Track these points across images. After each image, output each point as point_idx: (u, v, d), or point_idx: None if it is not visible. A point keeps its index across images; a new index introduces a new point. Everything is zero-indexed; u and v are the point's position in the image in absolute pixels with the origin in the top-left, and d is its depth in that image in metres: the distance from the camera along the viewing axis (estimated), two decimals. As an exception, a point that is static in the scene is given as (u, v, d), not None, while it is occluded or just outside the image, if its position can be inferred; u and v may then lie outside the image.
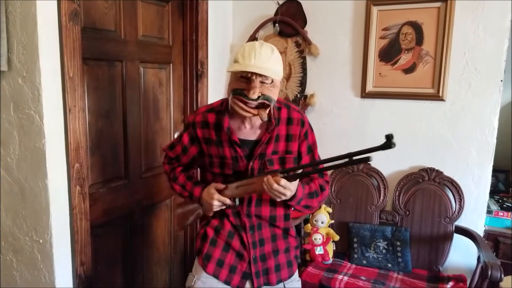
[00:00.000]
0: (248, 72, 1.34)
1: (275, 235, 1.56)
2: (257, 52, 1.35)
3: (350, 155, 1.29)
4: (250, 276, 1.51)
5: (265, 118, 1.40)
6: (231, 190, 1.48)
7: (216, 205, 1.49)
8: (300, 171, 1.41)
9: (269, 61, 1.36)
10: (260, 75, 1.34)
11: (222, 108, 1.50)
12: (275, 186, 1.33)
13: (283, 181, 1.33)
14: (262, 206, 1.53)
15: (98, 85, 1.97)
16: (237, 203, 1.50)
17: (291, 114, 1.52)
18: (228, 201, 1.49)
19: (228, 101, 1.44)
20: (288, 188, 1.34)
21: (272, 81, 1.37)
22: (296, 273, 1.60)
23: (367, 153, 1.28)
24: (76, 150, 1.79)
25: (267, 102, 1.38)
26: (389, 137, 1.21)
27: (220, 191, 1.50)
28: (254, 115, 1.39)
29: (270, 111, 1.42)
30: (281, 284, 1.53)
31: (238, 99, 1.38)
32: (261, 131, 1.50)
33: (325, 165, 1.37)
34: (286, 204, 1.52)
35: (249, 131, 1.50)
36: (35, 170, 1.72)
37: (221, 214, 1.56)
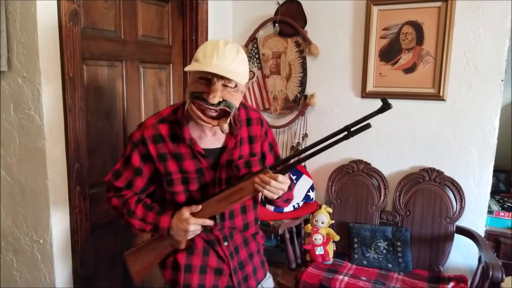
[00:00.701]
0: (208, 73, 1.20)
1: (246, 239, 1.46)
2: (221, 52, 1.20)
3: (347, 127, 1.24)
4: None
5: (226, 129, 1.28)
6: (211, 207, 1.31)
7: (194, 230, 1.29)
8: (291, 161, 1.32)
9: (233, 63, 1.21)
10: (223, 78, 1.20)
11: (176, 116, 1.33)
12: (274, 183, 1.23)
13: (281, 177, 1.25)
14: (235, 217, 1.41)
15: (98, 85, 1.97)
16: (218, 220, 1.34)
17: (249, 114, 1.43)
18: (208, 222, 1.30)
19: (185, 107, 1.29)
20: (285, 182, 1.27)
21: (235, 85, 1.23)
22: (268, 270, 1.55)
23: (365, 120, 1.24)
24: (76, 150, 1.79)
25: (227, 109, 1.24)
26: (384, 100, 1.22)
27: (195, 214, 1.30)
28: (214, 125, 1.26)
29: (231, 119, 1.29)
30: (259, 286, 1.48)
31: (196, 105, 1.23)
32: (225, 137, 1.37)
33: (325, 143, 1.31)
34: (255, 207, 1.47)
35: (212, 138, 1.36)
36: (35, 170, 1.73)
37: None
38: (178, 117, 1.32)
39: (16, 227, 1.84)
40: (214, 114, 1.24)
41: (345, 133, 1.25)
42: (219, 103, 1.21)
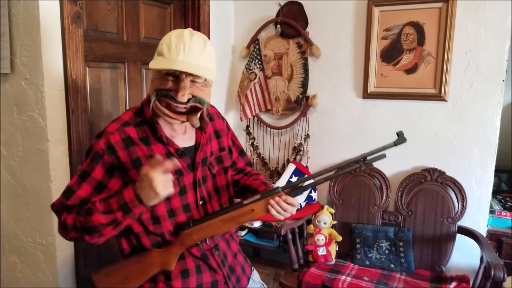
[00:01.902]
0: (175, 70, 1.11)
1: (228, 241, 1.38)
2: (187, 45, 1.10)
3: (363, 157, 1.24)
4: None
5: (197, 124, 1.19)
6: (215, 227, 1.22)
7: (161, 181, 1.06)
8: (308, 182, 1.26)
9: (201, 56, 1.12)
10: (191, 73, 1.11)
11: (141, 118, 1.22)
12: (290, 209, 1.20)
13: (296, 201, 1.21)
14: None
15: (100, 87, 1.98)
16: (217, 252, 1.28)
17: (209, 110, 1.34)
18: (169, 164, 1.07)
19: (150, 105, 1.18)
20: (296, 205, 1.23)
21: (205, 80, 1.15)
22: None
23: (380, 151, 1.25)
24: (79, 152, 1.80)
25: (199, 105, 1.15)
26: (400, 134, 1.24)
27: (200, 231, 1.19)
28: (183, 121, 1.17)
29: (201, 114, 1.21)
30: (250, 281, 1.43)
31: (164, 103, 1.14)
32: (195, 135, 1.29)
33: (340, 171, 1.29)
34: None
35: (183, 137, 1.26)
36: (38, 172, 1.73)
37: (180, 256, 1.24)
38: (147, 117, 1.21)
39: (19, 228, 1.85)
40: (183, 110, 1.15)
41: (359, 163, 1.26)
42: (189, 100, 1.13)
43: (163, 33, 2.34)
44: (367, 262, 2.36)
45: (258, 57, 2.74)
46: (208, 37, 2.56)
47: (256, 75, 2.74)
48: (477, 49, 2.23)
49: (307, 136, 2.73)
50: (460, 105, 2.31)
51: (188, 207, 1.25)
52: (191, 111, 1.16)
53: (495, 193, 2.61)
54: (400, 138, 1.25)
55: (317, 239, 2.36)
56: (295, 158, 2.78)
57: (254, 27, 2.79)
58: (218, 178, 1.35)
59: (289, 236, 2.31)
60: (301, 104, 2.70)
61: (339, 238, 2.41)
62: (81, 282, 1.87)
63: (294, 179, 2.56)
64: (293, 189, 1.25)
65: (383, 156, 1.24)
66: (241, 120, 2.82)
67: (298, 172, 2.59)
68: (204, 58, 1.13)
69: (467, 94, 2.29)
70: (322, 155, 2.71)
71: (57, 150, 1.73)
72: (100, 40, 1.95)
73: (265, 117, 2.87)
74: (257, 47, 2.75)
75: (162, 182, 1.06)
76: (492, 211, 2.43)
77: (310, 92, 2.69)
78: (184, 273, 1.24)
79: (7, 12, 1.64)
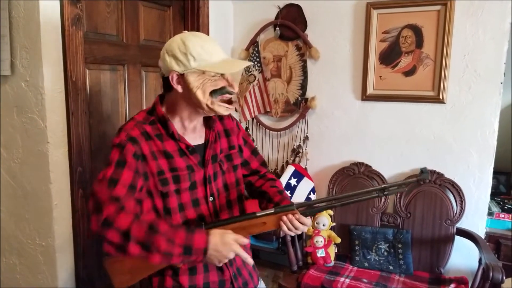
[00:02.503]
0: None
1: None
2: (217, 46, 1.28)
3: (382, 188, 1.28)
4: None
5: (239, 108, 1.38)
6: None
7: (236, 249, 1.16)
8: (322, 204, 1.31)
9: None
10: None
11: (153, 117, 1.29)
12: (301, 228, 1.25)
13: (308, 221, 1.26)
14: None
15: (100, 89, 1.99)
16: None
17: None
18: (246, 241, 1.21)
19: (161, 104, 1.30)
20: (308, 225, 1.28)
21: None
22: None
23: (401, 186, 1.28)
24: (78, 154, 1.80)
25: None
26: (425, 170, 1.26)
27: (205, 225, 1.24)
28: (232, 109, 1.32)
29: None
30: None
31: (219, 99, 1.26)
32: (204, 132, 1.38)
33: (358, 198, 1.33)
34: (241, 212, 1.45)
35: (193, 135, 1.34)
36: (38, 173, 1.74)
37: None
38: (160, 116, 1.28)
39: (19, 230, 1.85)
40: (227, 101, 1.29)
41: (378, 193, 1.29)
42: None
43: (162, 35, 2.36)
44: (366, 264, 2.36)
45: (257, 59, 2.75)
46: (208, 39, 2.56)
47: (255, 77, 2.75)
48: (475, 51, 2.24)
49: (306, 138, 2.74)
50: (458, 107, 2.32)
51: (197, 202, 1.30)
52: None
53: (494, 195, 2.61)
54: (425, 175, 1.27)
55: (316, 241, 2.36)
56: (294, 160, 2.79)
57: (253, 29, 2.80)
58: (228, 176, 1.40)
59: (288, 238, 2.32)
60: (300, 106, 2.71)
61: (338, 240, 2.41)
62: (81, 284, 1.87)
63: (293, 181, 2.57)
64: (307, 209, 1.29)
65: (403, 189, 1.28)
66: (240, 122, 2.83)
67: (297, 174, 2.60)
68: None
69: (465, 96, 2.30)
70: (321, 157, 2.72)
71: (57, 152, 1.73)
72: (100, 42, 1.96)
73: (264, 119, 2.88)
74: (256, 49, 2.76)
75: (234, 250, 1.15)
76: (490, 213, 2.44)
77: (309, 94, 2.70)
78: (191, 270, 1.28)
79: (7, 14, 1.65)
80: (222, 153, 1.39)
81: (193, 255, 1.11)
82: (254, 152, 1.54)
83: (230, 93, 1.26)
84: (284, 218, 1.24)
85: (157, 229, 1.10)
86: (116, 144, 1.21)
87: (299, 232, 1.27)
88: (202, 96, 1.24)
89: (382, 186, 1.30)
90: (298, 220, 1.25)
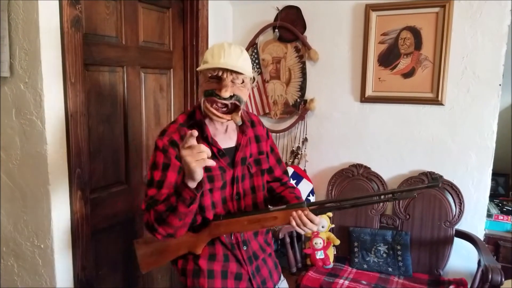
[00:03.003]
0: (218, 70, 1.29)
1: (260, 245, 1.50)
2: (226, 51, 1.31)
3: (393, 192, 1.34)
4: None
5: (239, 121, 1.36)
6: (240, 225, 1.35)
7: (189, 153, 1.15)
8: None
9: (239, 60, 1.32)
10: (231, 73, 1.30)
11: (193, 120, 1.40)
12: (310, 225, 1.30)
13: (317, 220, 1.31)
14: None
15: (99, 90, 1.99)
16: (245, 247, 1.42)
17: (251, 117, 1.54)
18: (210, 162, 1.17)
19: (201, 108, 1.35)
20: (318, 224, 1.33)
21: (242, 81, 1.34)
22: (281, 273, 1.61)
23: (411, 190, 1.35)
24: (77, 155, 1.80)
25: (237, 103, 1.32)
26: (435, 178, 1.33)
27: (227, 225, 1.35)
28: (228, 120, 1.35)
29: (242, 118, 1.38)
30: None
31: (210, 101, 1.32)
32: (236, 135, 1.46)
33: (363, 199, 1.39)
34: None
35: (225, 137, 1.43)
36: (36, 175, 1.73)
37: (211, 242, 1.40)
38: (197, 119, 1.39)
39: (17, 232, 1.84)
40: (225, 109, 1.33)
41: (387, 198, 1.36)
42: (231, 97, 1.30)
43: (161, 37, 2.36)
44: (365, 266, 2.36)
45: (256, 61, 2.76)
46: (207, 41, 2.57)
47: (254, 79, 2.73)
48: (473, 53, 2.25)
49: (305, 139, 2.74)
50: (457, 109, 2.33)
51: (225, 200, 1.41)
52: (232, 110, 1.34)
53: (493, 196, 2.62)
54: (435, 181, 1.33)
55: (315, 243, 2.36)
56: (293, 162, 2.79)
57: (252, 31, 2.80)
58: (255, 179, 1.48)
59: (287, 239, 2.32)
60: (299, 107, 2.71)
61: (337, 242, 2.41)
62: (79, 286, 1.87)
63: (292, 182, 2.56)
64: (317, 208, 1.35)
65: (413, 195, 1.33)
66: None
67: (296, 175, 2.60)
68: (242, 61, 1.32)
69: (464, 98, 2.30)
70: (320, 159, 2.72)
71: (55, 153, 1.73)
72: (99, 44, 1.95)
73: (263, 121, 2.87)
74: (255, 51, 2.77)
75: (190, 155, 1.15)
76: (489, 215, 2.44)
77: (308, 96, 2.70)
78: (211, 256, 1.40)
79: (6, 16, 1.65)
80: (251, 157, 1.47)
81: (181, 190, 1.20)
82: (279, 160, 1.63)
83: (217, 97, 1.29)
84: (294, 213, 1.31)
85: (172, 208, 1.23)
86: (161, 148, 1.33)
87: (308, 230, 1.32)
88: (200, 95, 1.35)
89: (392, 190, 1.35)
90: (306, 216, 1.30)
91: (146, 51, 2.24)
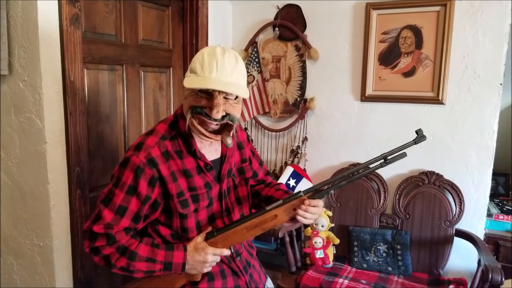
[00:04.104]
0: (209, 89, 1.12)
1: (248, 250, 1.42)
2: (219, 63, 1.12)
3: (384, 157, 1.28)
4: None
5: (230, 143, 1.19)
6: (239, 235, 1.22)
7: (212, 262, 1.20)
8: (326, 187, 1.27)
9: (233, 74, 1.14)
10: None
11: (174, 132, 1.24)
12: (315, 209, 1.22)
13: (319, 202, 1.23)
14: None
15: (98, 88, 1.98)
16: (239, 258, 1.32)
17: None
18: (226, 252, 1.21)
19: (185, 118, 1.19)
20: (320, 206, 1.25)
21: (236, 97, 1.17)
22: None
23: (400, 150, 1.30)
24: (76, 154, 1.79)
25: (230, 122, 1.18)
26: (419, 132, 1.30)
27: (224, 240, 1.22)
28: (217, 140, 1.21)
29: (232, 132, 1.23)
30: None
31: (198, 120, 1.16)
32: (221, 146, 1.32)
33: (361, 172, 1.31)
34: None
35: (210, 149, 1.28)
36: (36, 173, 1.73)
37: None
38: (182, 131, 1.22)
39: (16, 230, 1.84)
40: (216, 128, 1.18)
41: (382, 161, 1.28)
42: (223, 117, 1.15)
43: (161, 35, 2.35)
44: (365, 265, 2.35)
45: (256, 60, 2.75)
46: (206, 40, 2.56)
47: (254, 77, 2.74)
48: (474, 52, 2.24)
49: (305, 138, 2.73)
50: (457, 109, 2.32)
51: (213, 217, 1.29)
52: (222, 129, 1.20)
53: (493, 196, 2.61)
54: (420, 136, 1.30)
55: (315, 242, 2.36)
56: (293, 161, 2.78)
57: (252, 29, 2.79)
58: (240, 189, 1.38)
59: (287, 238, 2.31)
60: (299, 107, 2.71)
61: (337, 241, 2.41)
62: (79, 284, 1.87)
63: (291, 181, 2.56)
64: (315, 193, 1.26)
65: (404, 155, 1.28)
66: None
67: (295, 174, 2.59)
68: (236, 75, 1.15)
69: (464, 97, 2.30)
70: (320, 158, 2.71)
71: (54, 152, 1.72)
72: (98, 42, 1.95)
73: (263, 120, 2.88)
74: (255, 49, 2.76)
75: (210, 264, 1.20)
76: (489, 214, 2.44)
77: (308, 95, 2.70)
78: (209, 277, 1.27)
79: (5, 14, 1.64)
80: (235, 166, 1.37)
81: (173, 269, 1.18)
82: (261, 163, 1.54)
83: (207, 118, 1.14)
84: (300, 211, 1.22)
85: (136, 257, 1.16)
86: (134, 168, 1.14)
87: (316, 217, 1.25)
88: (185, 108, 1.19)
89: (382, 154, 1.27)
90: (310, 205, 1.22)
91: (146, 50, 2.24)
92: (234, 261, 1.31)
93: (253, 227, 1.22)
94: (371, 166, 1.30)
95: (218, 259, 1.22)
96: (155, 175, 1.16)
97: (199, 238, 1.21)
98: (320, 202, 1.25)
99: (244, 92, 1.17)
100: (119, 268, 1.17)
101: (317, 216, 1.26)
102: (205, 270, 1.21)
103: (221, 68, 1.12)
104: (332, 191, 1.33)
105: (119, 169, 1.17)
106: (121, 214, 1.15)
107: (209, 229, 1.26)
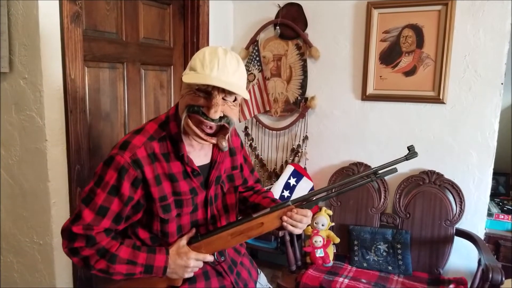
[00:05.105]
0: (208, 85, 1.08)
1: (235, 248, 1.38)
2: (221, 62, 1.09)
3: (374, 171, 1.27)
4: None
5: (226, 147, 1.15)
6: (223, 241, 1.20)
7: (194, 267, 1.18)
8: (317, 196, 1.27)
9: (234, 75, 1.11)
10: (223, 91, 1.09)
11: (164, 133, 1.20)
12: (305, 219, 1.19)
13: (307, 211, 1.21)
14: None
15: (99, 86, 1.98)
16: (223, 258, 1.27)
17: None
18: (209, 257, 1.20)
19: (177, 119, 1.17)
20: (310, 216, 1.22)
21: (235, 99, 1.13)
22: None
23: (391, 166, 1.29)
24: (77, 152, 1.79)
25: (227, 125, 1.13)
26: (411, 148, 1.30)
27: (208, 245, 1.20)
28: (211, 143, 1.16)
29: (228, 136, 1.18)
30: (257, 285, 1.45)
31: (194, 120, 1.12)
32: (212, 151, 1.28)
33: (349, 184, 1.29)
34: (235, 211, 1.42)
35: (200, 154, 1.25)
36: (36, 171, 1.73)
37: None
38: (172, 133, 1.19)
39: (16, 228, 1.84)
40: (210, 131, 1.14)
41: (371, 178, 1.29)
42: (220, 118, 1.11)
43: (162, 33, 2.35)
44: (365, 264, 2.35)
45: (257, 59, 2.75)
46: (207, 38, 2.56)
47: (255, 76, 2.74)
48: (475, 52, 2.24)
49: (306, 137, 2.73)
50: (458, 108, 2.32)
51: (196, 223, 1.26)
52: (217, 132, 1.16)
53: (493, 196, 2.61)
54: (411, 153, 1.29)
55: (315, 241, 2.36)
56: (293, 160, 2.78)
57: (253, 28, 2.79)
58: (228, 197, 1.35)
59: (287, 237, 2.31)
60: (299, 105, 2.71)
61: (337, 240, 2.41)
62: (78, 283, 1.87)
63: (292, 180, 2.56)
64: (303, 203, 1.24)
65: (395, 170, 1.27)
66: (240, 121, 2.82)
67: (296, 173, 2.59)
68: (238, 76, 1.12)
69: (465, 96, 2.29)
70: (320, 157, 2.71)
71: (55, 149, 1.72)
72: (99, 40, 1.95)
73: (264, 119, 2.87)
74: (256, 48, 2.76)
75: (192, 269, 1.18)
76: (490, 214, 2.43)
77: (308, 93, 2.69)
78: (191, 279, 1.23)
79: (6, 11, 1.64)
80: (225, 173, 1.33)
81: (154, 272, 1.17)
82: (252, 170, 1.50)
83: (204, 118, 1.10)
84: (284, 217, 1.20)
85: (116, 260, 1.14)
86: (118, 168, 1.11)
87: (304, 225, 1.22)
88: (181, 107, 1.15)
89: (373, 169, 1.27)
90: (297, 213, 1.20)
91: (147, 48, 2.23)
92: (219, 263, 1.28)
93: (238, 233, 1.20)
94: (361, 180, 1.31)
95: (200, 264, 1.20)
96: (139, 176, 1.13)
97: (182, 242, 1.20)
98: (308, 212, 1.22)
99: (244, 93, 1.14)
100: (98, 270, 1.15)
101: (305, 226, 1.23)
102: (186, 275, 1.19)
103: (222, 67, 1.09)
104: (319, 202, 1.31)
105: (103, 167, 1.13)
106: (102, 214, 1.12)
107: (193, 232, 1.24)
